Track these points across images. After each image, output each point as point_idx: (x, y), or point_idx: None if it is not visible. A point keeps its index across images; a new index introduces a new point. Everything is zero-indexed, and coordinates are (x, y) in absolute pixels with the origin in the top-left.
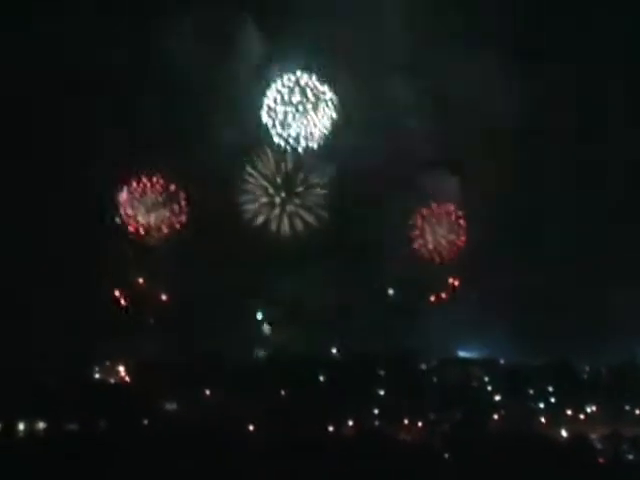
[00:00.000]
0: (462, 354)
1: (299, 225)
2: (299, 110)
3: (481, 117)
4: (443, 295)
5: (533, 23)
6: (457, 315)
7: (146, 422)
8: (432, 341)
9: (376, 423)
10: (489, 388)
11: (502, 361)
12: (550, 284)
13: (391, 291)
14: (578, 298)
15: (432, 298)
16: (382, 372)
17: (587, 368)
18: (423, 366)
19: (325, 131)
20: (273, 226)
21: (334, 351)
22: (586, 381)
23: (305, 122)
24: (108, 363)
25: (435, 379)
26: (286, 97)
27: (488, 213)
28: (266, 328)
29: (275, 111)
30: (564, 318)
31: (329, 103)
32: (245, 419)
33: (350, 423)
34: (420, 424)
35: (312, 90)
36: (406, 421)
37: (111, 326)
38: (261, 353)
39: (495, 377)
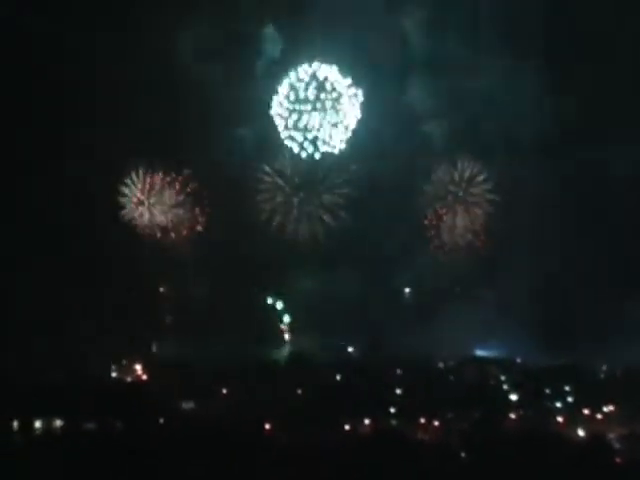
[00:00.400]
0: (480, 353)
1: (318, 226)
2: (317, 108)
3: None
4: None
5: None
6: (475, 314)
7: (162, 421)
8: (450, 340)
9: (393, 422)
10: (506, 387)
11: (519, 360)
12: (567, 284)
13: (407, 290)
14: (596, 298)
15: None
16: (399, 371)
17: (604, 368)
18: (440, 365)
19: (348, 133)
20: (290, 227)
21: (350, 350)
22: (603, 381)
23: (324, 123)
24: (125, 362)
25: (452, 378)
26: (301, 93)
27: (509, 211)
28: (284, 328)
29: (288, 110)
30: (581, 318)
31: (352, 99)
32: (262, 418)
33: (367, 422)
34: (437, 423)
35: (332, 84)
36: (423, 420)
37: (128, 325)
38: (279, 353)
39: (512, 376)
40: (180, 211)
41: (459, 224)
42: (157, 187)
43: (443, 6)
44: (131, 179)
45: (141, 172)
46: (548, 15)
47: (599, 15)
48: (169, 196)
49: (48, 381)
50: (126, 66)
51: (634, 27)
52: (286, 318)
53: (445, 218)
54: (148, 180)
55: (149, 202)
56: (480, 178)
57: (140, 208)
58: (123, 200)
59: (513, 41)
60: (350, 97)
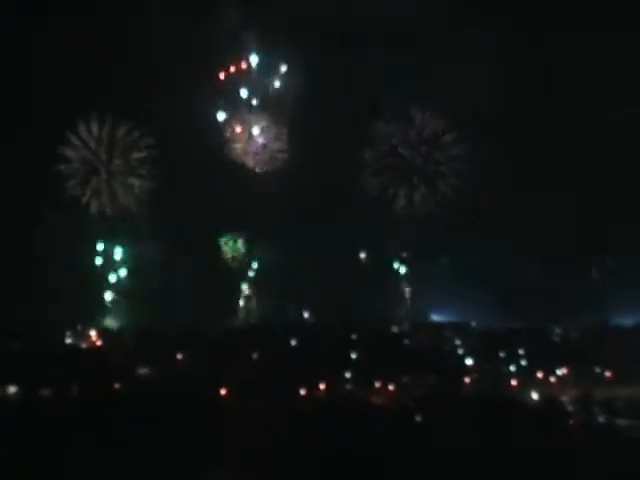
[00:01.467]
0: (434, 318)
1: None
2: None
3: None
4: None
5: None
6: (429, 279)
7: (117, 386)
8: (404, 305)
9: (348, 387)
10: (461, 352)
11: (474, 324)
12: (522, 249)
13: (363, 255)
14: (549, 262)
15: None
16: (354, 336)
17: (558, 330)
18: (395, 329)
19: None
20: None
21: (306, 316)
22: (557, 344)
23: None
24: (79, 328)
25: (407, 342)
26: None
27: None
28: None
29: None
30: (535, 282)
31: None
32: (217, 384)
33: (322, 387)
34: (392, 387)
35: None
36: (378, 384)
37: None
38: (234, 318)
39: (467, 340)
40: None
41: (416, 199)
42: None
43: None
44: None
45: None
46: None
47: None
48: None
49: (1, 348)
50: None
51: None
52: (242, 284)
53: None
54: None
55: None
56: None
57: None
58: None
59: None
60: None
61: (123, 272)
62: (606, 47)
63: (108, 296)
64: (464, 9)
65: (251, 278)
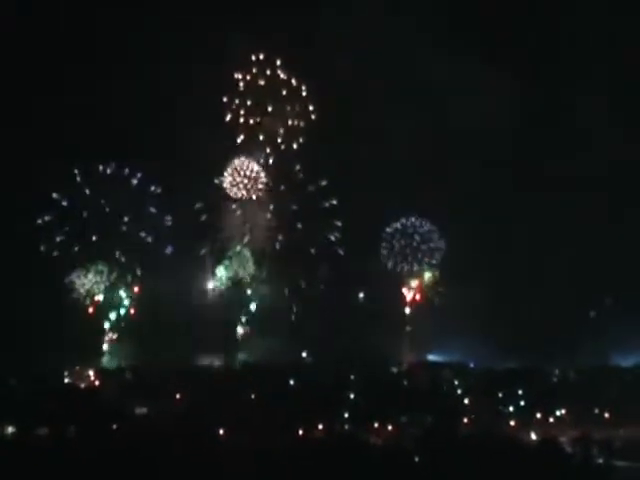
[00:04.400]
0: (432, 358)
1: None
2: None
3: None
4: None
5: None
6: (427, 320)
7: (115, 426)
8: (402, 345)
9: (347, 427)
10: (459, 392)
11: (472, 365)
12: (521, 291)
13: (362, 295)
14: (548, 304)
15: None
16: (353, 376)
17: (557, 371)
18: (394, 370)
19: None
20: None
21: (304, 355)
22: (556, 384)
23: None
24: (77, 367)
25: (405, 383)
26: None
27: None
28: (239, 336)
29: None
30: (534, 323)
31: None
32: (216, 423)
33: (320, 426)
34: (390, 427)
35: None
36: (377, 424)
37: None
38: (233, 359)
39: (465, 381)
40: None
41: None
42: None
43: None
44: None
45: None
46: None
47: None
48: None
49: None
50: None
51: None
52: (241, 324)
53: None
54: None
55: None
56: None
57: None
58: None
59: None
60: None
61: (122, 311)
62: None
63: (107, 335)
64: None
65: (250, 318)
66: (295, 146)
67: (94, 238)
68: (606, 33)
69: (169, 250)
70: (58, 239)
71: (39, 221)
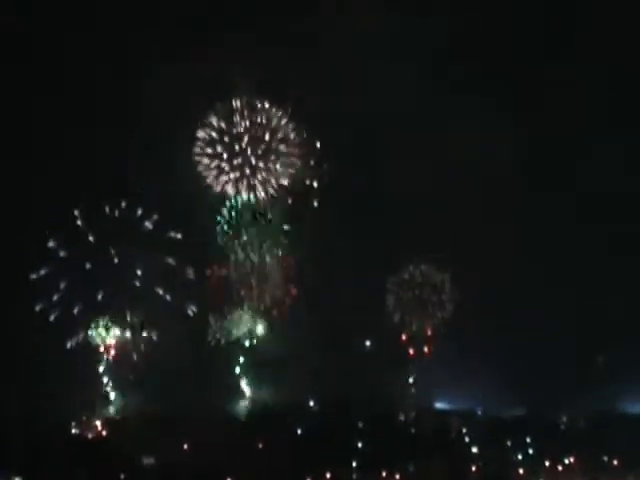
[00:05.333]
0: (439, 405)
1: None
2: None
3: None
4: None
5: None
6: (434, 366)
7: (123, 477)
8: (409, 392)
9: (354, 475)
10: (467, 439)
11: (480, 412)
12: (528, 336)
13: (368, 343)
14: (556, 350)
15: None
16: (360, 423)
17: (564, 418)
18: (401, 417)
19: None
20: None
21: (311, 403)
22: (564, 431)
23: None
24: (84, 417)
25: (413, 430)
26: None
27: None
28: (244, 382)
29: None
30: (542, 369)
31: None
32: (223, 473)
33: (328, 475)
34: (398, 476)
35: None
36: (384, 473)
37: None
38: (239, 407)
39: (473, 428)
40: None
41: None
42: None
43: None
44: None
45: None
46: None
47: None
48: None
49: (6, 437)
50: None
51: None
52: (247, 372)
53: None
54: None
55: None
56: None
57: None
58: None
59: None
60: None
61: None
62: None
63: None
64: None
65: (254, 365)
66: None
67: (99, 296)
68: None
69: (191, 310)
70: (56, 297)
71: (33, 276)
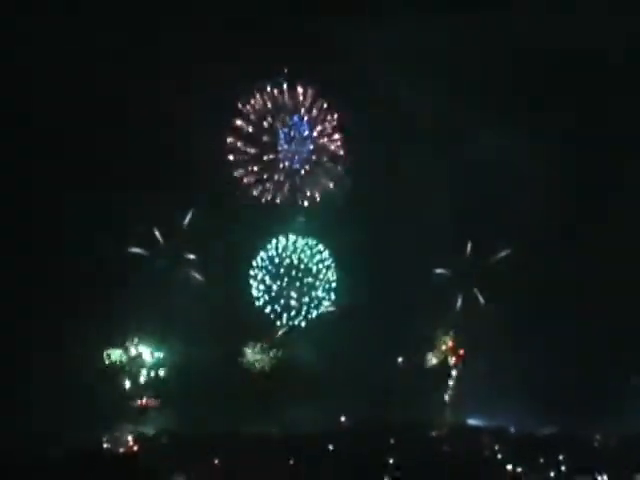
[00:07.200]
0: (472, 422)
1: None
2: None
3: None
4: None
5: None
6: (467, 384)
7: None
8: (442, 409)
9: None
10: (500, 456)
11: (512, 430)
12: (561, 355)
13: (400, 359)
14: (591, 368)
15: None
16: (392, 440)
17: (598, 437)
18: (433, 434)
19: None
20: None
21: (343, 419)
22: (597, 449)
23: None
24: (117, 433)
25: (446, 447)
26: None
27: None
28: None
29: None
30: (575, 387)
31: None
32: None
33: None
34: None
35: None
36: None
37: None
38: (270, 426)
39: (506, 446)
40: None
41: None
42: None
43: None
44: None
45: None
46: None
47: None
48: None
49: (39, 452)
50: None
51: None
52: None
53: None
54: None
55: None
56: None
57: None
58: None
59: None
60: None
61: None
62: None
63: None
64: None
65: (287, 382)
66: None
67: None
68: None
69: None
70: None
71: None
